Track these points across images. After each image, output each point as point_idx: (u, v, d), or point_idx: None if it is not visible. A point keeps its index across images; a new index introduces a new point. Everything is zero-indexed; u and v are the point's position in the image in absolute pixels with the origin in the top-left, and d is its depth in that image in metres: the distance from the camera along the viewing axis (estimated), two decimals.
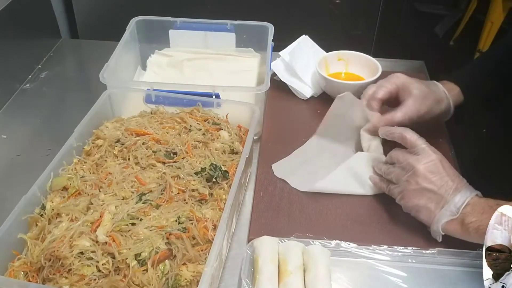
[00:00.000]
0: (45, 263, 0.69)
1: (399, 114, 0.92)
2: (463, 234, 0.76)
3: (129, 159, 0.86)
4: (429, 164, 0.79)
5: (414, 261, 0.80)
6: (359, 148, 0.97)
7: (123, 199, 0.79)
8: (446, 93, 0.97)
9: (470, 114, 1.04)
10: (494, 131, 1.09)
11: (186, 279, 0.70)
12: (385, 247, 0.81)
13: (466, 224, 0.74)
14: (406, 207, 0.82)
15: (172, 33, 1.20)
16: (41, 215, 0.76)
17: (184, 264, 0.71)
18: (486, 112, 1.11)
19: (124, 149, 0.87)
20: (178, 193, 0.80)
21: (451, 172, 0.80)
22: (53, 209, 0.76)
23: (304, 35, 1.21)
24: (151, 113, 0.98)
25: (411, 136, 0.84)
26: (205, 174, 0.82)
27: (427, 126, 0.93)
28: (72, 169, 0.84)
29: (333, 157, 0.98)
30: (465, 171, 0.96)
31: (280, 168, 0.96)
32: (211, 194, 0.81)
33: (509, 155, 1.03)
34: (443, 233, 0.78)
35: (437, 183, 0.78)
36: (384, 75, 1.10)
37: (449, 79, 0.99)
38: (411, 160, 0.81)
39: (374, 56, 1.16)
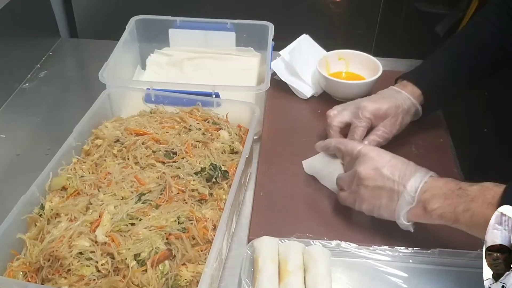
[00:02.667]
0: (44, 263, 0.69)
1: (376, 137, 0.93)
2: (427, 220, 0.75)
3: (128, 159, 0.86)
4: (369, 164, 0.79)
5: (414, 261, 0.80)
6: None
7: (122, 199, 0.79)
8: (411, 99, 0.96)
9: (469, 114, 1.04)
10: (494, 131, 1.09)
11: (185, 279, 0.70)
12: (386, 247, 0.81)
13: (429, 211, 0.72)
14: (366, 211, 0.81)
15: (172, 32, 1.20)
16: (40, 215, 0.76)
17: (183, 264, 0.71)
18: (486, 112, 1.11)
19: (124, 148, 0.87)
20: (177, 193, 0.79)
21: (393, 163, 0.78)
22: (52, 209, 0.76)
23: (304, 34, 1.20)
24: (151, 113, 0.97)
25: (345, 145, 0.85)
26: (205, 174, 0.82)
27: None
28: (71, 169, 0.84)
29: None
30: (465, 171, 0.96)
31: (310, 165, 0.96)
32: (211, 194, 0.81)
33: (509, 155, 1.03)
34: (411, 223, 0.77)
35: (382, 178, 0.77)
36: (384, 74, 1.10)
37: (408, 80, 0.98)
38: (354, 166, 0.82)
39: (375, 55, 1.16)
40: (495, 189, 0.68)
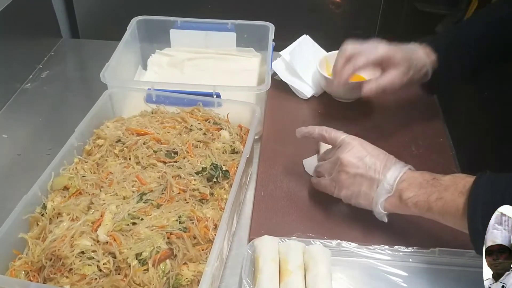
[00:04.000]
0: (46, 262, 0.69)
1: (385, 79, 0.92)
2: (403, 209, 0.77)
3: (129, 158, 0.86)
4: (352, 151, 0.81)
5: (414, 260, 0.81)
6: None
7: (123, 198, 0.79)
8: (426, 60, 0.96)
9: (469, 114, 1.04)
10: (494, 131, 1.09)
11: (187, 278, 0.70)
12: (386, 246, 0.81)
13: (405, 200, 0.75)
14: (345, 198, 0.83)
15: (172, 32, 1.20)
16: (42, 215, 0.77)
17: (185, 263, 0.71)
18: (486, 111, 1.12)
19: (125, 148, 0.87)
20: (178, 193, 0.80)
21: (375, 153, 0.80)
22: (54, 209, 0.76)
23: (304, 35, 1.21)
24: (152, 113, 0.98)
25: (329, 133, 0.86)
26: (206, 174, 0.82)
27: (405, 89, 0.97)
28: (73, 169, 0.84)
29: None
30: (465, 171, 0.96)
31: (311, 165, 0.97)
32: (211, 194, 0.81)
33: (509, 155, 1.03)
34: (386, 213, 0.78)
35: (364, 167, 0.79)
36: None
37: (428, 43, 0.98)
38: (336, 153, 0.83)
39: None
40: (466, 179, 0.71)
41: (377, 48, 0.94)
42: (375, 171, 0.79)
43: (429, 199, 0.73)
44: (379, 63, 0.95)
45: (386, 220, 0.80)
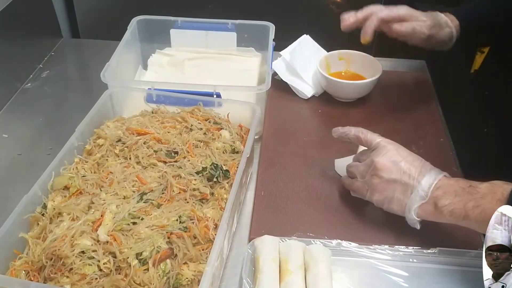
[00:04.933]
0: (47, 262, 0.69)
1: (408, 25, 0.98)
2: (437, 217, 0.76)
3: (130, 158, 0.86)
4: (387, 155, 0.80)
5: (415, 260, 0.81)
6: None
7: (124, 198, 0.79)
8: (449, 21, 1.01)
9: (470, 113, 1.04)
10: (494, 131, 1.09)
11: (187, 278, 0.70)
12: (386, 246, 0.81)
13: (440, 207, 0.74)
14: (377, 202, 0.82)
15: (173, 32, 1.20)
16: (43, 214, 0.77)
17: (185, 263, 0.71)
18: (486, 111, 1.11)
19: (125, 148, 0.87)
20: (179, 193, 0.80)
21: (410, 159, 0.80)
22: (54, 208, 0.76)
23: (305, 35, 1.21)
24: (152, 113, 0.98)
25: (365, 135, 0.85)
26: (206, 174, 0.82)
27: (433, 47, 1.02)
28: (73, 169, 0.84)
29: None
30: (465, 171, 0.96)
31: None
32: (212, 194, 0.81)
33: (510, 155, 1.03)
34: (419, 219, 0.77)
35: (399, 172, 0.78)
36: (385, 74, 1.10)
37: (450, 11, 1.03)
38: (370, 156, 0.82)
39: (375, 55, 1.16)
40: (504, 187, 0.70)
41: (400, 7, 0.98)
42: (409, 176, 0.78)
43: (466, 207, 0.71)
44: (402, 19, 0.99)
45: (418, 227, 0.79)
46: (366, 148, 0.87)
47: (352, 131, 0.87)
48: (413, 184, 0.77)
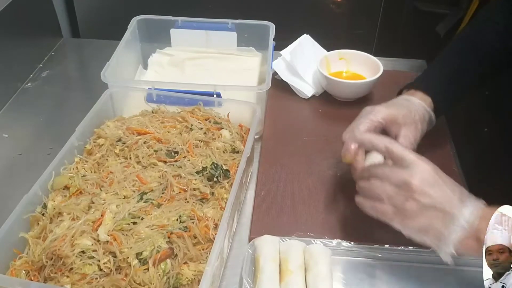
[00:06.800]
0: (47, 262, 0.69)
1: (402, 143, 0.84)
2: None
3: (130, 158, 0.86)
4: (424, 177, 0.69)
5: (415, 260, 0.81)
6: None
7: (124, 198, 0.79)
8: (424, 106, 0.90)
9: (470, 113, 1.03)
10: (495, 131, 1.09)
11: (187, 278, 0.70)
12: (386, 246, 0.81)
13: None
14: (409, 230, 0.71)
15: (173, 32, 1.20)
16: (43, 214, 0.77)
17: (185, 263, 0.71)
18: (487, 111, 1.11)
19: (126, 148, 0.87)
20: (179, 192, 0.80)
21: (449, 182, 0.70)
22: (54, 208, 0.76)
23: (305, 34, 1.21)
24: (153, 112, 0.98)
25: (397, 148, 0.73)
26: (206, 173, 0.82)
27: None
28: (73, 168, 0.84)
29: None
30: (466, 172, 0.96)
31: None
32: (212, 193, 0.81)
33: (510, 155, 1.03)
34: (456, 254, 0.68)
35: (438, 197, 0.68)
36: (385, 74, 1.10)
37: (416, 87, 0.92)
38: (403, 175, 0.70)
39: (376, 55, 1.16)
40: None
41: (376, 112, 0.84)
42: (451, 204, 0.67)
43: None
44: (384, 127, 0.86)
45: (451, 262, 0.69)
46: (378, 156, 0.80)
47: (382, 142, 0.75)
48: (454, 213, 0.67)
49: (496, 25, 0.93)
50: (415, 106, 0.89)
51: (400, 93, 0.96)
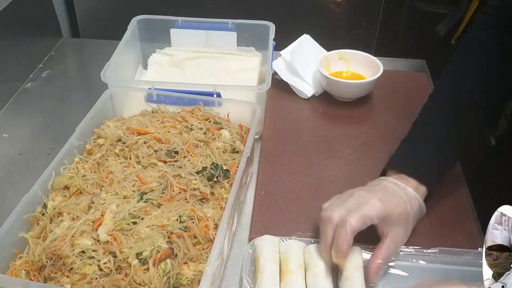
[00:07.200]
0: (47, 262, 0.69)
1: (383, 252, 0.76)
2: None
3: (130, 158, 0.86)
4: None
5: (415, 260, 0.80)
6: None
7: (124, 198, 0.79)
8: (419, 200, 0.81)
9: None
10: (500, 142, 1.08)
11: (187, 278, 0.70)
12: None
13: None
14: None
15: (173, 32, 1.20)
16: (43, 214, 0.77)
17: (185, 263, 0.71)
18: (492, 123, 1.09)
19: (126, 148, 0.87)
20: (179, 192, 0.80)
21: None
22: (54, 208, 0.76)
23: (305, 34, 1.21)
24: (152, 112, 0.98)
25: None
26: (206, 173, 0.82)
27: None
28: (73, 168, 0.84)
29: None
30: (466, 171, 0.96)
31: None
32: (212, 193, 0.81)
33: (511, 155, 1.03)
34: None
35: None
36: (385, 74, 1.10)
37: (409, 173, 0.82)
38: None
39: (376, 55, 1.16)
40: None
41: (371, 207, 0.75)
42: None
43: None
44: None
45: None
46: (359, 258, 0.76)
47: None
48: None
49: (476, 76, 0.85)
50: (411, 201, 0.80)
51: (384, 172, 0.86)
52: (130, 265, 0.68)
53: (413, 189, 0.81)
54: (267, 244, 0.79)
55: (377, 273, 0.76)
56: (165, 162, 0.86)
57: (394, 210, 0.77)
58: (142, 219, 0.75)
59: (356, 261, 0.76)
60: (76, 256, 0.69)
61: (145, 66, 1.21)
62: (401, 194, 0.79)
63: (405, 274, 0.79)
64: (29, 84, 1.24)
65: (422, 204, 0.82)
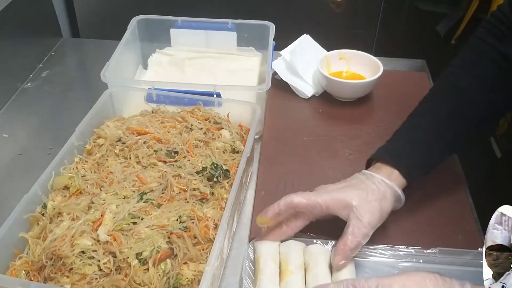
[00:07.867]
0: (47, 262, 0.69)
1: (353, 240, 0.75)
2: None
3: (130, 158, 0.86)
4: None
5: (415, 260, 0.80)
6: None
7: (124, 198, 0.79)
8: (386, 182, 0.79)
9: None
10: (495, 130, 1.08)
11: (187, 278, 0.70)
12: (386, 246, 0.81)
13: None
14: None
15: (173, 32, 1.20)
16: (43, 214, 0.77)
17: (185, 263, 0.71)
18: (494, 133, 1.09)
19: (125, 148, 0.87)
20: (179, 192, 0.80)
21: None
22: (54, 208, 0.76)
23: (305, 34, 1.21)
24: (152, 112, 0.98)
25: None
26: (206, 173, 0.82)
27: None
28: (73, 168, 0.84)
29: None
30: (466, 171, 0.96)
31: None
32: (212, 193, 0.81)
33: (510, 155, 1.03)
34: None
35: None
36: (385, 74, 1.10)
37: (382, 159, 0.83)
38: None
39: (376, 55, 1.16)
40: None
41: (318, 195, 0.77)
42: None
43: None
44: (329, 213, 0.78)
45: None
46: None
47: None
48: None
49: (475, 74, 0.85)
50: (375, 183, 0.79)
51: (368, 163, 0.87)
52: (130, 265, 0.68)
53: (382, 175, 0.80)
54: (267, 244, 0.79)
55: (339, 261, 0.75)
56: (165, 162, 0.86)
57: (346, 195, 0.77)
58: (142, 219, 0.74)
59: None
60: (76, 256, 0.69)
61: (145, 66, 1.21)
62: (363, 180, 0.80)
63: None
64: (29, 84, 1.24)
65: (393, 187, 0.79)
